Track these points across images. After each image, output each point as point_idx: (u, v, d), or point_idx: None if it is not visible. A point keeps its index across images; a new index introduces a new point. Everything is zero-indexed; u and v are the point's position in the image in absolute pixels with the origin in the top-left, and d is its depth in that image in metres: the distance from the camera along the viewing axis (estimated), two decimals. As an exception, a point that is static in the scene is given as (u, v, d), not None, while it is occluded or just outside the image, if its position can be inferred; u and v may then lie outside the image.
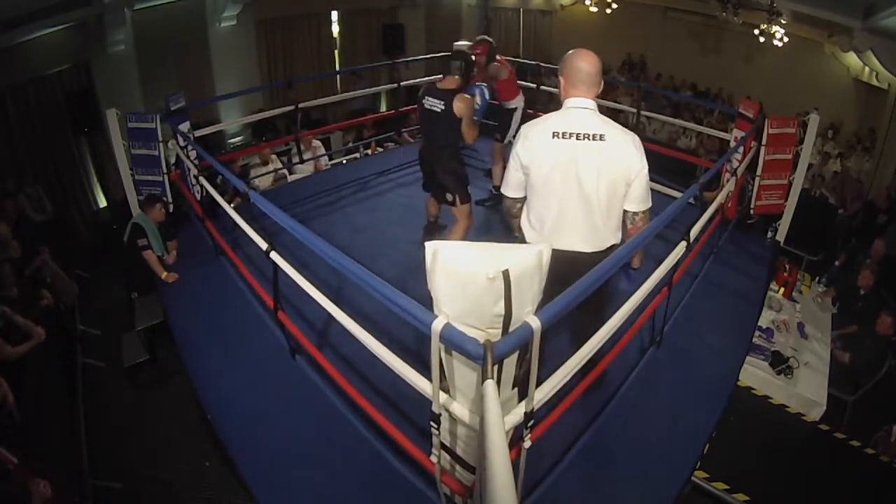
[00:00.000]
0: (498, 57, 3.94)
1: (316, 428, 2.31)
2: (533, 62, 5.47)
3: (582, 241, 1.92)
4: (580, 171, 1.83)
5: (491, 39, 3.85)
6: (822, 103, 7.64)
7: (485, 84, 3.26)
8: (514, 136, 3.23)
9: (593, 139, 1.82)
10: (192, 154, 3.76)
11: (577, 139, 1.82)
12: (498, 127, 4.20)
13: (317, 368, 2.47)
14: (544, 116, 1.93)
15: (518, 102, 4.09)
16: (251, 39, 7.48)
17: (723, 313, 3.15)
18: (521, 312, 1.14)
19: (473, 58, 3.28)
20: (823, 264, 4.83)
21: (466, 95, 2.94)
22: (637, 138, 1.89)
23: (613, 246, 1.98)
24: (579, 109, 1.87)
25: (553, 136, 1.85)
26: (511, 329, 1.15)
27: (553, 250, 1.64)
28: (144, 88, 6.33)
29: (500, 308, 1.12)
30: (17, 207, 4.95)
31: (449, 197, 3.11)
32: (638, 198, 1.92)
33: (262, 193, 3.80)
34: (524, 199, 2.03)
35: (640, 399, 2.43)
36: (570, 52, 1.90)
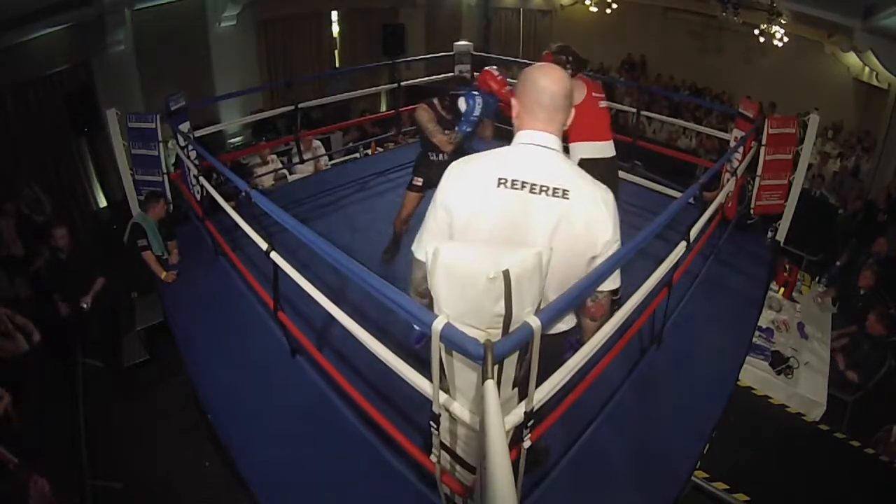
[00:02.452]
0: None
1: (316, 428, 2.31)
2: (533, 63, 5.47)
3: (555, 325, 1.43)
4: (530, 238, 1.32)
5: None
6: (822, 103, 7.64)
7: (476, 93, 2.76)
8: None
9: (553, 194, 1.31)
10: (193, 154, 3.77)
11: (530, 191, 1.31)
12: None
13: (317, 368, 2.47)
14: (483, 153, 1.40)
15: None
16: (251, 39, 7.50)
17: (723, 313, 3.15)
18: (522, 313, 1.14)
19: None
20: (823, 264, 4.83)
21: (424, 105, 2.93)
22: (611, 196, 1.37)
23: (565, 333, 1.56)
24: (535, 148, 1.34)
25: (499, 184, 1.32)
26: (511, 329, 1.15)
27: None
28: (144, 88, 6.34)
29: (501, 308, 1.12)
30: (17, 207, 4.95)
31: None
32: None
33: (262, 193, 3.80)
34: None
35: (640, 399, 2.43)
36: (532, 66, 1.39)
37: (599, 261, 1.38)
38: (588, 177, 1.37)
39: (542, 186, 1.30)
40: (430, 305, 1.41)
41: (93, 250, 4.67)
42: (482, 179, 1.33)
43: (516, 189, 1.31)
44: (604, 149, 2.78)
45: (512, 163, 1.34)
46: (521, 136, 1.37)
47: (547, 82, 1.32)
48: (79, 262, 4.01)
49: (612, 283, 1.47)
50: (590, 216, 1.33)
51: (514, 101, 1.38)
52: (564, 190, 1.31)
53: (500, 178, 1.32)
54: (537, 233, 1.32)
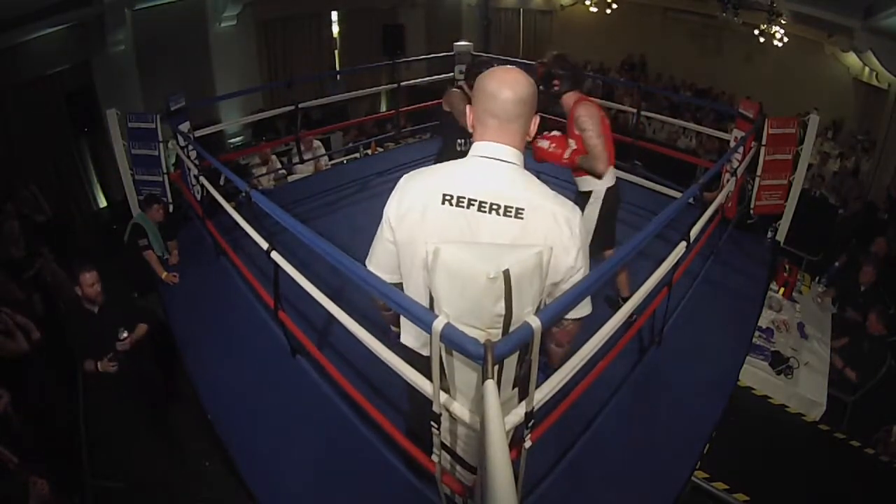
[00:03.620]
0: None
1: (316, 428, 2.31)
2: (533, 63, 5.47)
3: None
4: None
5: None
6: (822, 103, 7.64)
7: None
8: None
9: (504, 213, 1.19)
10: (193, 154, 3.77)
11: (478, 209, 1.19)
12: None
13: (317, 368, 2.47)
14: (436, 165, 1.31)
15: None
16: (251, 39, 7.50)
17: (723, 313, 3.15)
18: (522, 312, 1.14)
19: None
20: (823, 264, 4.83)
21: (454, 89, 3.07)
22: (577, 216, 1.24)
23: None
24: (488, 161, 1.22)
25: (444, 201, 1.21)
26: (511, 329, 1.15)
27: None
28: (144, 88, 6.34)
29: (501, 308, 1.12)
30: (17, 207, 4.96)
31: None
32: None
33: (262, 193, 3.80)
34: (400, 287, 1.37)
35: (640, 399, 2.44)
36: (487, 70, 1.24)
37: (564, 287, 1.28)
38: (550, 193, 1.24)
39: (492, 204, 1.19)
40: (394, 319, 1.48)
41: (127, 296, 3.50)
42: (426, 195, 1.23)
43: (461, 207, 1.20)
44: (616, 172, 2.60)
45: (461, 178, 1.22)
46: (474, 149, 1.25)
47: (497, 87, 1.19)
48: (111, 315, 3.05)
49: (582, 310, 1.37)
50: (549, 238, 1.20)
51: (468, 110, 1.27)
52: (518, 209, 1.18)
53: (445, 195, 1.21)
54: None
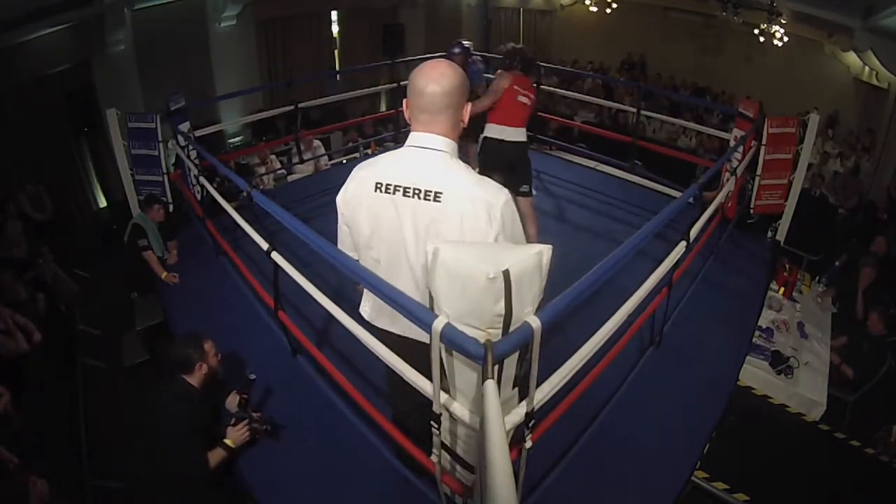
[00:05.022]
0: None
1: (316, 427, 2.31)
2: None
3: (416, 330, 1.27)
4: (406, 241, 1.36)
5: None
6: (822, 103, 7.65)
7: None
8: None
9: (424, 197, 1.30)
10: (193, 154, 3.77)
11: (402, 195, 1.32)
12: None
13: (317, 368, 2.47)
14: (380, 156, 1.44)
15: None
16: (251, 39, 7.49)
17: (723, 313, 3.15)
18: (522, 312, 1.15)
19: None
20: (823, 264, 4.83)
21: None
22: (502, 202, 1.29)
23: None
24: (416, 150, 1.34)
25: (375, 188, 1.35)
26: (511, 329, 1.15)
27: (389, 337, 1.48)
28: (144, 88, 6.33)
29: (501, 308, 1.12)
30: (19, 207, 4.96)
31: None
32: None
33: (262, 193, 3.80)
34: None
35: (639, 399, 2.43)
36: (418, 66, 1.34)
37: None
38: (474, 179, 1.32)
39: (414, 189, 1.31)
40: (362, 291, 1.63)
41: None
42: (363, 184, 1.38)
43: (389, 193, 1.34)
44: (509, 133, 3.27)
45: (391, 167, 1.36)
46: (409, 139, 1.37)
47: (423, 83, 1.29)
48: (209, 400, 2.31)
49: None
50: (465, 220, 1.28)
51: (404, 103, 1.37)
52: (437, 192, 1.29)
53: (376, 183, 1.35)
54: (410, 237, 1.35)
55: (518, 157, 3.35)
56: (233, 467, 2.15)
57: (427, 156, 1.33)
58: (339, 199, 1.47)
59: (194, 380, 2.16)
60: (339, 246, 1.59)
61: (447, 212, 1.29)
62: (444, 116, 1.31)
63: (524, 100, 3.26)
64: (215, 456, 2.07)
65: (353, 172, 1.45)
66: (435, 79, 1.29)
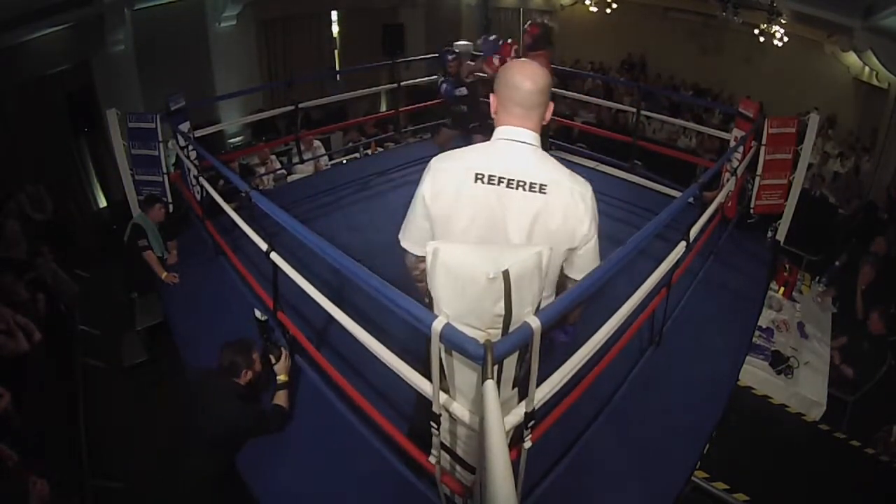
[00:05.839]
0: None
1: (316, 428, 2.31)
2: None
3: None
4: (509, 231, 1.36)
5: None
6: (821, 103, 7.64)
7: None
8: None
9: (530, 189, 1.33)
10: (193, 154, 3.76)
11: (507, 186, 1.34)
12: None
13: (317, 368, 2.47)
14: (463, 148, 1.45)
15: None
16: (251, 39, 7.49)
17: (723, 313, 3.15)
18: (522, 312, 1.15)
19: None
20: (823, 264, 4.83)
21: None
22: (590, 191, 1.40)
23: None
24: (512, 143, 1.37)
25: (476, 179, 1.35)
26: (511, 329, 1.15)
27: None
28: (144, 88, 6.33)
29: (501, 308, 1.12)
30: (17, 207, 4.95)
31: None
32: (583, 267, 1.47)
33: (261, 193, 3.80)
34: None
35: (640, 399, 2.43)
36: (509, 63, 1.45)
37: (580, 253, 1.44)
38: (566, 171, 1.39)
39: (519, 181, 1.34)
40: (427, 292, 1.45)
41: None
42: (459, 175, 1.37)
43: (493, 184, 1.34)
44: None
45: (489, 158, 1.37)
46: (499, 132, 1.40)
47: (521, 80, 1.35)
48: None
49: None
50: (567, 210, 1.35)
51: (492, 98, 1.41)
52: (542, 185, 1.34)
53: (477, 174, 1.35)
54: (515, 227, 1.36)
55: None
56: (234, 467, 2.16)
57: (523, 149, 1.37)
58: (427, 191, 1.41)
59: (239, 382, 2.23)
60: (408, 242, 1.51)
61: (552, 202, 1.34)
62: (537, 112, 1.37)
63: None
64: (280, 398, 2.25)
65: (433, 164, 1.43)
66: (530, 76, 1.35)
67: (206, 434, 2.10)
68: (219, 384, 2.18)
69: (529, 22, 3.60)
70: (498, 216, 1.36)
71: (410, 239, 1.51)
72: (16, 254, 4.31)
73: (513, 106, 1.36)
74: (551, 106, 1.42)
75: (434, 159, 1.44)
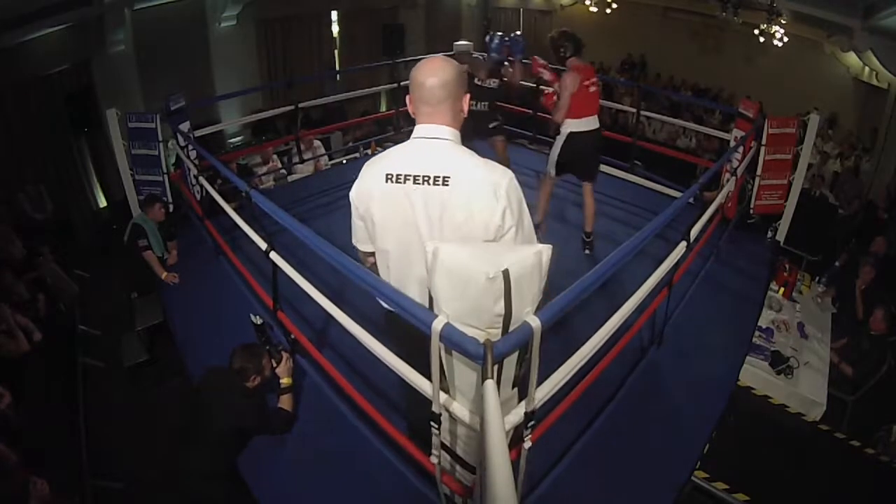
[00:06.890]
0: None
1: (316, 428, 2.31)
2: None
3: None
4: (420, 227, 1.39)
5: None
6: (821, 103, 7.64)
7: None
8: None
9: (433, 183, 1.34)
10: (193, 154, 3.76)
11: (413, 182, 1.36)
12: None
13: (317, 368, 2.47)
14: (389, 150, 1.49)
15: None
16: (251, 39, 7.48)
17: (723, 313, 3.15)
18: (521, 312, 1.15)
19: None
20: (823, 264, 4.83)
21: None
22: (507, 181, 1.35)
23: None
24: (423, 141, 1.39)
25: (386, 180, 1.39)
26: (511, 329, 1.15)
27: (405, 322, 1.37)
28: (144, 88, 6.33)
29: (500, 308, 1.12)
30: (17, 207, 4.95)
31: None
32: None
33: (261, 193, 3.80)
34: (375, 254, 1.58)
35: (639, 399, 2.43)
36: (417, 63, 1.41)
37: (502, 243, 1.38)
38: (480, 162, 1.38)
39: (423, 177, 1.35)
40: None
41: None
42: (375, 176, 1.42)
43: (399, 183, 1.38)
44: (588, 123, 3.37)
45: (400, 158, 1.41)
46: (414, 131, 1.43)
47: (423, 77, 1.36)
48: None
49: None
50: (472, 202, 1.33)
51: (408, 99, 1.44)
52: (445, 177, 1.34)
53: (387, 174, 1.39)
54: (424, 222, 1.39)
55: (600, 142, 3.50)
56: (234, 467, 2.15)
57: (433, 144, 1.39)
58: (353, 193, 1.49)
59: (247, 385, 2.22)
60: (354, 240, 1.61)
61: (456, 194, 1.34)
62: (444, 107, 1.37)
63: (593, 88, 3.33)
64: (285, 402, 2.24)
65: (363, 168, 1.48)
66: (432, 72, 1.35)
67: (210, 432, 2.10)
68: (225, 383, 2.17)
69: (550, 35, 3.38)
70: (408, 213, 1.39)
71: (355, 237, 1.60)
72: (16, 253, 4.29)
73: (421, 104, 1.39)
74: (466, 97, 1.42)
75: (366, 163, 1.49)
